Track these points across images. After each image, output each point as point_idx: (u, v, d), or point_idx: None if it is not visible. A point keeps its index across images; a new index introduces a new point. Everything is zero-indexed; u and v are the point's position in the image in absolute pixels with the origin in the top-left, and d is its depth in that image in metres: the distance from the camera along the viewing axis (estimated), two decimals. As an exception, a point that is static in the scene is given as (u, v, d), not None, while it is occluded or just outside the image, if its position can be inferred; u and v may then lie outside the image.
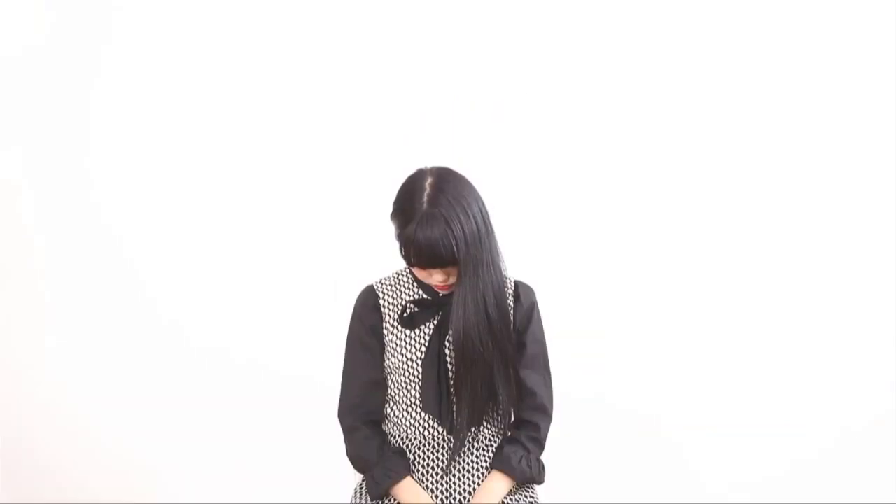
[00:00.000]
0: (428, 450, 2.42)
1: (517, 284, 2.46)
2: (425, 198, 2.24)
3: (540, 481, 2.47)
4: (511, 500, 2.42)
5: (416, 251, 2.23)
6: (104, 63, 3.81)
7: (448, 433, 2.40)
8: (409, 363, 2.39)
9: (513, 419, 2.48)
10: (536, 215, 3.80)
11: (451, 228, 2.22)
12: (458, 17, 3.75)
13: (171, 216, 3.82)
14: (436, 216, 2.22)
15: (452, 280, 2.32)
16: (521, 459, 2.41)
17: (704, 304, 3.78)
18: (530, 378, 2.45)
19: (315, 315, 3.70)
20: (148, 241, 3.83)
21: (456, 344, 2.31)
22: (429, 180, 2.27)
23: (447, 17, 3.75)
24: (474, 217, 2.26)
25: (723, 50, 3.76)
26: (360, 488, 2.47)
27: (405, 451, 2.42)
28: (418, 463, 2.42)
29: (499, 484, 2.40)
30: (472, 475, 2.42)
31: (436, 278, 2.30)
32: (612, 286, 3.79)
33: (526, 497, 2.45)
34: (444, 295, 2.34)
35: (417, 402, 2.40)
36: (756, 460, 3.74)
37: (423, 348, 2.38)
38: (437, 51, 3.73)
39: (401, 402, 2.42)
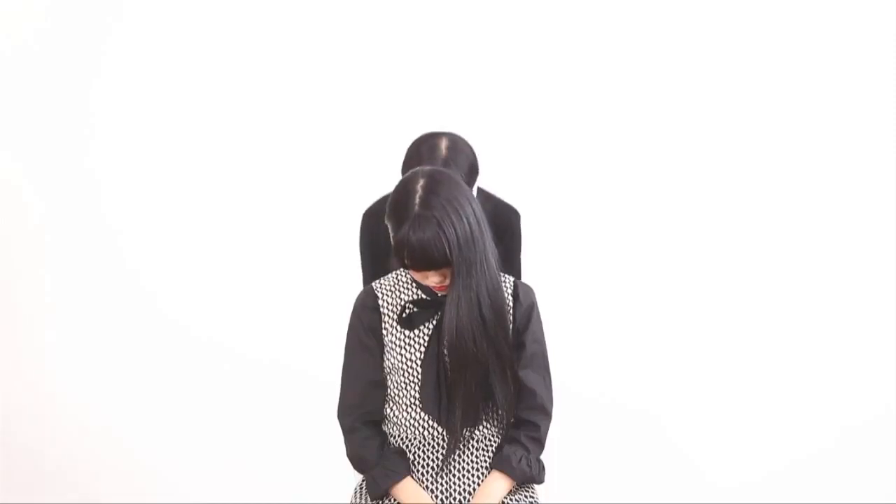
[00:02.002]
0: (428, 450, 2.42)
1: (516, 284, 2.46)
2: (417, 200, 2.25)
3: (540, 481, 2.47)
4: (511, 500, 2.42)
5: (409, 253, 2.24)
6: (104, 61, 3.80)
7: (448, 433, 2.40)
8: (409, 363, 2.39)
9: (512, 419, 2.48)
10: (537, 215, 3.80)
11: (443, 230, 2.23)
12: (458, 17, 3.75)
13: (172, 215, 3.82)
14: (428, 218, 2.23)
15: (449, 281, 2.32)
16: (521, 459, 2.41)
17: (706, 303, 3.78)
18: (530, 378, 2.44)
19: (315, 315, 3.70)
20: (149, 239, 3.83)
21: (450, 344, 2.32)
22: (420, 182, 2.28)
23: (447, 17, 3.75)
24: (467, 218, 2.26)
25: (724, 51, 3.76)
26: (360, 488, 2.47)
27: (405, 452, 2.42)
28: (418, 463, 2.42)
29: (498, 484, 2.40)
30: (472, 475, 2.42)
31: (432, 280, 2.31)
32: (614, 285, 3.79)
33: (526, 497, 2.45)
34: (443, 295, 2.35)
35: (417, 403, 2.40)
36: (758, 459, 3.74)
37: (422, 349, 2.38)
38: (437, 52, 3.73)
39: (400, 402, 2.42)
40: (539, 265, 3.60)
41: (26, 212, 3.86)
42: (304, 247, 3.77)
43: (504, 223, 2.75)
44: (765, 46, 3.74)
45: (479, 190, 2.76)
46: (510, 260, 2.78)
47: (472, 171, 2.65)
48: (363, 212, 2.81)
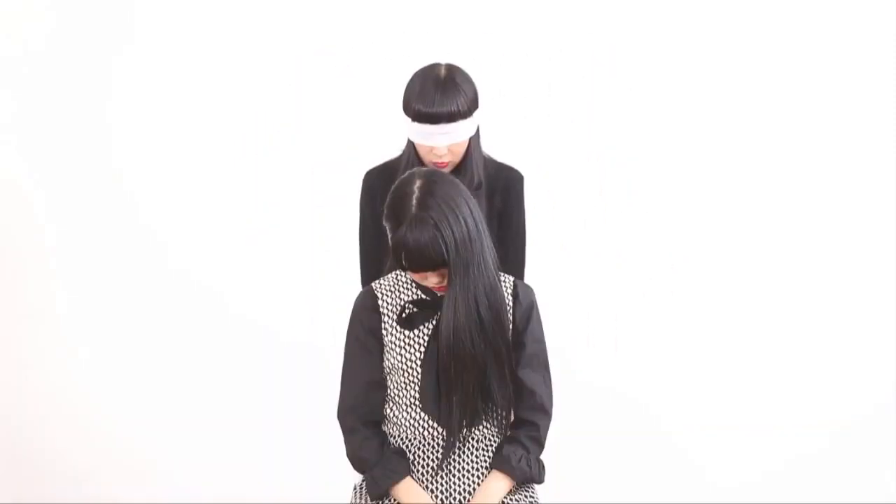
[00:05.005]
0: (427, 450, 2.43)
1: (516, 284, 2.47)
2: (414, 201, 2.25)
3: (540, 481, 2.47)
4: (511, 500, 2.42)
5: (407, 255, 2.25)
6: (104, 60, 3.81)
7: (447, 434, 2.40)
8: (408, 363, 2.39)
9: (512, 419, 2.48)
10: (540, 215, 3.80)
11: (440, 232, 2.23)
12: (466, 17, 3.75)
13: (173, 215, 3.83)
14: (424, 220, 2.24)
15: None
16: (521, 459, 2.42)
17: (706, 303, 3.78)
18: (529, 377, 2.45)
19: (316, 315, 3.70)
20: (149, 239, 3.84)
21: (447, 346, 2.32)
22: (417, 183, 2.28)
23: (456, 18, 3.75)
24: (464, 219, 2.27)
25: (728, 51, 3.76)
26: (360, 488, 2.48)
27: (405, 452, 2.42)
28: (418, 463, 2.42)
29: (498, 484, 2.41)
30: (472, 475, 2.43)
31: (431, 281, 2.32)
32: (616, 286, 3.79)
33: (526, 497, 2.45)
34: (442, 295, 2.35)
35: (416, 403, 2.40)
36: (757, 459, 3.75)
37: (422, 349, 2.39)
38: (445, 53, 3.72)
39: (400, 402, 2.42)
40: (545, 265, 3.60)
41: (30, 210, 3.86)
42: (307, 250, 3.78)
43: (506, 184, 2.77)
44: (768, 44, 3.74)
45: (485, 157, 2.76)
46: (513, 222, 2.79)
47: (475, 98, 2.65)
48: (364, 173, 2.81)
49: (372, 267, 2.76)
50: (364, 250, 2.82)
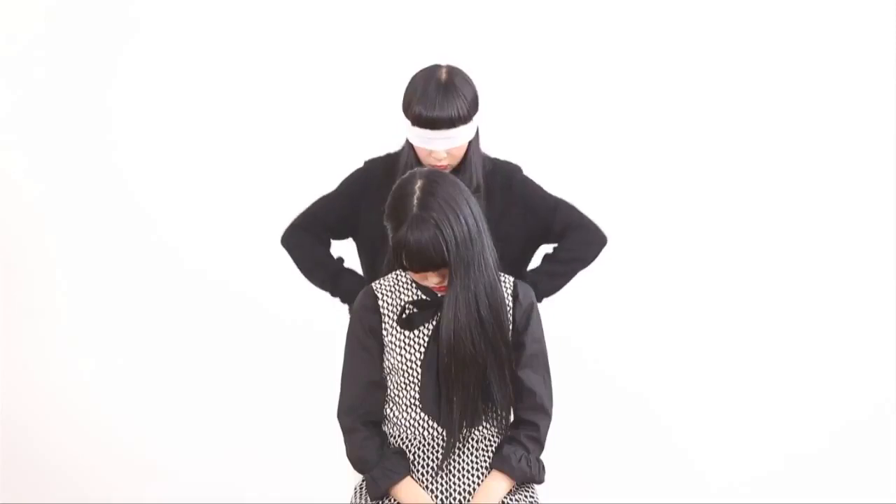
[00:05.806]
0: (427, 450, 2.43)
1: (516, 284, 2.47)
2: (415, 201, 2.25)
3: (540, 481, 2.47)
4: (511, 499, 2.43)
5: (408, 255, 2.25)
6: (105, 59, 3.81)
7: (447, 434, 2.41)
8: (408, 364, 2.39)
9: (512, 419, 2.48)
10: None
11: (440, 231, 2.24)
12: (466, 17, 3.75)
13: (189, 211, 3.83)
14: (425, 219, 2.24)
15: None
16: (521, 459, 2.42)
17: (706, 303, 3.78)
18: (529, 377, 2.45)
19: (315, 316, 3.70)
20: (151, 236, 3.84)
21: (448, 346, 2.33)
22: (418, 184, 2.29)
23: (456, 18, 3.75)
24: (465, 219, 2.27)
25: (729, 51, 3.77)
26: (360, 488, 2.48)
27: (405, 452, 2.43)
28: (418, 463, 2.43)
29: (499, 484, 2.41)
30: (472, 475, 2.43)
31: (431, 281, 2.32)
32: (615, 285, 3.79)
33: (526, 497, 2.45)
34: (442, 296, 2.35)
35: (416, 403, 2.41)
36: (758, 459, 3.75)
37: (422, 349, 2.39)
38: (445, 53, 3.72)
39: (400, 402, 2.43)
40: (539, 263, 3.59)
41: (30, 210, 3.86)
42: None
43: (504, 181, 2.75)
44: (769, 44, 3.74)
45: (485, 156, 2.76)
46: (549, 204, 2.79)
47: (475, 101, 2.64)
48: (366, 159, 2.81)
49: (313, 230, 2.84)
50: (318, 210, 2.85)
